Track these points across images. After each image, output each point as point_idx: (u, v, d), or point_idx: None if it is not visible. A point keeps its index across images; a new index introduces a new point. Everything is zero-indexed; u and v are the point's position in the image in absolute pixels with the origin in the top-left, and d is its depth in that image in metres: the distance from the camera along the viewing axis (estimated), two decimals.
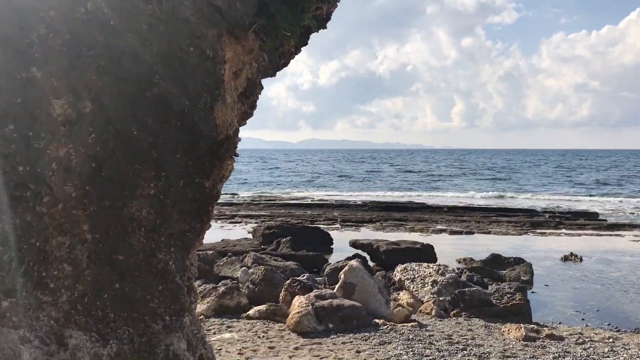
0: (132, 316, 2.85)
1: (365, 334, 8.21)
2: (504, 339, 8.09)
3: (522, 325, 8.30)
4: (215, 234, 21.59)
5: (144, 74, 2.83)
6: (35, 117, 2.69)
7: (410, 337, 8.07)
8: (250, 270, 11.24)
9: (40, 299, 2.67)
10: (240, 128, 3.33)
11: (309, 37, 3.65)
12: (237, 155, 3.24)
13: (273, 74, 3.55)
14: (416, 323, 8.73)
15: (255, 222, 24.48)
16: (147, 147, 2.94)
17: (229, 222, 25.43)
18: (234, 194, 39.37)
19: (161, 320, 2.89)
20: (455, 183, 55.62)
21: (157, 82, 2.86)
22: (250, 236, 19.54)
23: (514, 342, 7.90)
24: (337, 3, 3.60)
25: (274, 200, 35.34)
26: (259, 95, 3.49)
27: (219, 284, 11.49)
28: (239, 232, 22.11)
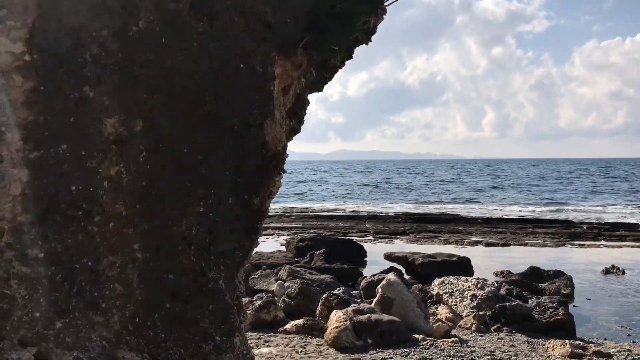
0: (183, 336, 2.81)
1: (405, 349, 8.07)
2: (548, 356, 7.86)
3: (567, 341, 8.05)
4: None
5: (194, 91, 2.81)
6: (87, 136, 2.69)
7: (452, 353, 7.89)
8: (286, 284, 11.19)
9: (92, 319, 2.65)
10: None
11: (354, 51, 3.60)
12: (284, 171, 3.20)
13: (320, 89, 3.51)
14: (457, 338, 8.55)
15: (288, 234, 24.48)
16: (197, 164, 2.92)
17: (262, 234, 25.44)
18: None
19: (212, 340, 2.85)
20: (499, 195, 54.52)
21: (207, 100, 2.83)
22: (283, 248, 19.52)
23: (558, 359, 7.67)
24: (384, 16, 3.54)
25: (305, 212, 35.34)
26: (306, 111, 3.45)
27: (255, 298, 11.47)
28: (272, 244, 22.11)
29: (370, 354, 7.92)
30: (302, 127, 3.25)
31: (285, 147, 3.13)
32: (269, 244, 22.26)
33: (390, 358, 7.75)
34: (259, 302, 9.78)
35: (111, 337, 2.67)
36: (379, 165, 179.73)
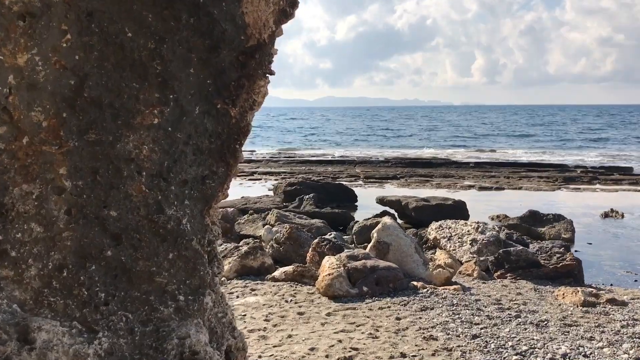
0: (132, 296, 2.03)
1: (403, 298, 7.43)
2: (559, 304, 7.26)
3: (578, 288, 7.44)
4: (234, 191, 20.87)
5: None
6: None
7: (455, 302, 7.27)
8: (274, 229, 10.49)
9: None
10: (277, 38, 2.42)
11: None
12: (272, 73, 2.35)
13: None
14: (459, 286, 7.93)
15: (276, 179, 23.71)
16: (148, 56, 2.06)
17: (248, 179, 24.68)
18: (252, 150, 38.58)
19: (173, 301, 2.06)
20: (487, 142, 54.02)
21: None
22: (271, 193, 18.78)
23: (571, 308, 7.07)
24: None
25: (293, 157, 34.52)
26: None
27: (241, 243, 10.78)
28: (259, 189, 21.37)
29: (366, 303, 7.28)
30: (295, 11, 2.38)
31: (273, 36, 2.27)
32: (256, 189, 21.52)
33: (388, 307, 7.11)
34: (245, 248, 9.07)
35: (26, 298, 1.88)
36: (367, 112, 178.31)
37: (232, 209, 12.52)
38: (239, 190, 21.33)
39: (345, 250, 8.42)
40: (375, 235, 8.96)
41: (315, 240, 9.13)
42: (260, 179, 24.64)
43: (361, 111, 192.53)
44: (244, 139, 2.29)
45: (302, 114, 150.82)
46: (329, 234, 11.07)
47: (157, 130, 2.08)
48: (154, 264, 2.04)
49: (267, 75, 2.32)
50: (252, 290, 8.10)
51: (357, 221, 12.90)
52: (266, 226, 11.00)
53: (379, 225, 9.09)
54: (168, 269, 2.05)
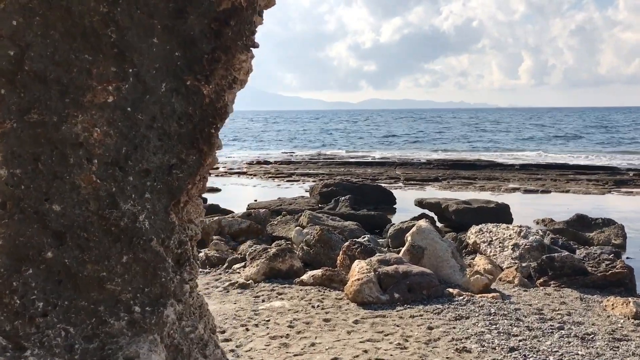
0: (77, 306, 1.71)
1: (437, 306, 6.98)
2: (608, 316, 6.68)
3: (630, 299, 6.83)
4: (272, 192, 20.71)
5: None
6: None
7: (492, 310, 6.77)
8: (305, 230, 10.16)
9: None
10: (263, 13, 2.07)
11: None
12: (256, 45, 2.01)
13: None
14: (498, 294, 7.42)
15: (313, 181, 23.42)
16: (100, 22, 1.74)
17: (286, 181, 24.47)
18: (292, 152, 38.41)
19: (126, 312, 1.74)
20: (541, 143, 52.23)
21: None
22: (307, 195, 18.49)
23: (621, 321, 6.48)
24: None
25: (332, 159, 34.18)
26: None
27: (272, 245, 10.50)
28: (296, 190, 21.13)
29: (397, 311, 6.86)
30: None
31: (253, 0, 1.93)
32: (293, 191, 21.28)
33: (420, 316, 6.67)
34: (273, 250, 8.77)
35: None
36: (411, 114, 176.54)
37: (264, 209, 12.27)
38: (276, 191, 21.15)
39: (377, 254, 8.01)
40: (409, 238, 8.53)
41: (346, 243, 8.75)
42: (298, 181, 24.40)
43: (405, 113, 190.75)
44: (220, 122, 1.95)
45: (345, 116, 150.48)
46: (362, 236, 10.69)
47: (112, 111, 1.76)
48: (105, 268, 1.71)
49: (249, 48, 1.97)
50: (279, 294, 7.79)
51: (393, 224, 12.46)
52: (297, 228, 10.68)
53: (414, 229, 8.64)
54: (122, 274, 1.73)
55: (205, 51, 1.85)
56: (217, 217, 11.51)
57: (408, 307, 6.96)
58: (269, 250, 8.88)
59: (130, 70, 1.77)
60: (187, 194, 1.95)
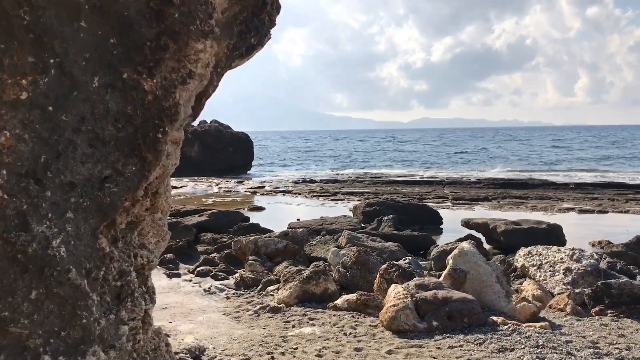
0: None
1: (479, 335, 6.41)
2: None
3: None
4: (315, 211, 20.37)
5: None
6: None
7: (540, 342, 6.16)
8: (342, 252, 9.72)
9: None
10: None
11: None
12: (214, 32, 1.65)
13: None
14: (547, 323, 6.78)
15: (358, 200, 22.95)
16: (11, 0, 1.41)
17: (331, 200, 24.10)
18: (338, 171, 38.04)
19: None
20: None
21: None
22: (351, 214, 18.05)
23: None
24: None
25: (379, 178, 33.61)
26: None
27: (311, 266, 10.11)
28: (340, 209, 20.71)
29: (435, 340, 6.33)
30: None
31: None
32: (337, 210, 20.87)
33: (460, 346, 6.13)
34: (307, 272, 8.38)
35: None
36: (463, 132, 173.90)
37: (301, 229, 11.91)
38: (319, 210, 20.80)
39: (414, 279, 7.50)
40: (450, 261, 7.99)
41: (384, 266, 8.28)
42: (342, 199, 23.99)
43: (457, 132, 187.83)
44: (170, 125, 1.60)
45: (395, 135, 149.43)
46: (403, 258, 10.18)
47: (28, 110, 1.43)
48: (8, 306, 1.36)
49: (208, 35, 1.61)
50: (311, 319, 7.38)
51: (437, 245, 11.87)
52: (333, 249, 10.25)
53: (455, 251, 8.10)
54: (30, 314, 1.38)
55: (148, 37, 1.51)
56: (253, 237, 11.21)
57: (447, 337, 6.43)
58: (302, 272, 8.49)
59: (52, 60, 1.43)
60: (130, 213, 1.59)
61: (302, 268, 8.80)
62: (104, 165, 1.53)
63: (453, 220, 17.24)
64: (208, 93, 3.65)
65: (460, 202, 23.08)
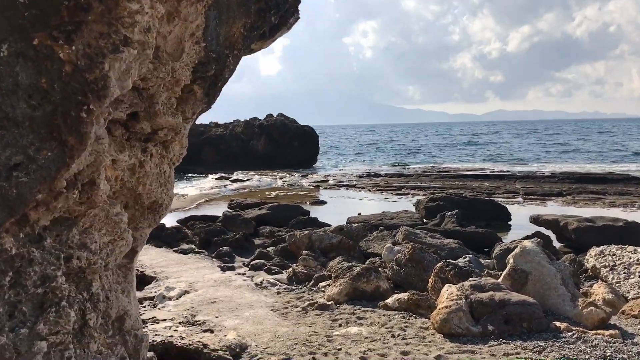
0: None
1: (539, 342, 5.90)
2: None
3: None
4: (377, 206, 19.97)
5: None
6: None
7: (608, 353, 5.58)
8: (396, 248, 9.33)
9: None
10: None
11: None
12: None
13: None
14: (617, 331, 6.16)
15: (424, 194, 22.34)
16: None
17: (394, 194, 23.59)
18: (405, 164, 37.33)
19: None
20: None
21: None
22: (413, 209, 17.53)
23: None
24: None
25: (447, 172, 32.68)
26: None
27: (367, 262, 9.79)
28: (403, 204, 20.18)
29: (489, 346, 5.87)
30: None
31: None
32: (400, 204, 20.37)
33: (517, 353, 5.65)
34: (357, 269, 8.06)
35: None
36: (540, 125, 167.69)
37: (356, 224, 11.58)
38: (382, 204, 20.38)
39: (470, 279, 7.03)
40: (511, 261, 7.45)
41: (439, 264, 7.84)
42: (407, 194, 23.43)
43: (534, 124, 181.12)
44: (97, 102, 1.33)
45: (468, 129, 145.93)
46: (463, 256, 9.67)
47: None
48: None
49: None
50: (359, 318, 7.06)
51: (502, 243, 11.24)
52: (387, 245, 9.86)
53: (516, 250, 7.55)
54: None
55: None
56: (307, 231, 10.99)
57: (503, 343, 5.95)
58: (353, 268, 8.18)
59: None
60: (52, 207, 1.33)
61: (354, 264, 8.49)
62: (14, 151, 1.28)
63: (523, 217, 16.40)
64: (224, 77, 3.39)
65: (532, 197, 22.02)
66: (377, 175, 31.33)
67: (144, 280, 9.74)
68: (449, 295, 6.63)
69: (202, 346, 5.72)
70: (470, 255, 9.74)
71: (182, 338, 5.88)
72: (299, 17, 3.97)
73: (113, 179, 2.35)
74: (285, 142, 40.99)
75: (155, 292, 8.55)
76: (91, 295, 1.50)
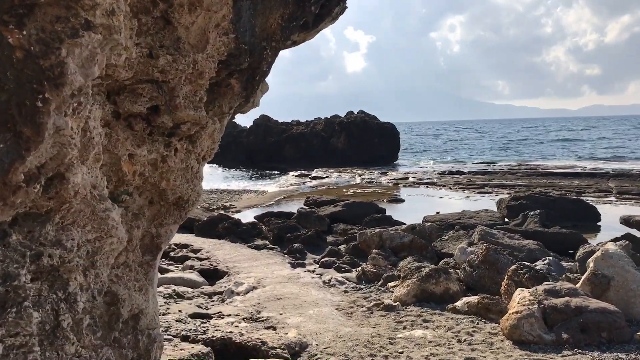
0: None
1: (619, 354, 5.42)
2: None
3: None
4: (457, 204, 19.38)
5: None
6: None
7: None
8: (469, 249, 8.95)
9: None
10: None
11: None
12: None
13: None
14: None
15: (508, 193, 21.45)
16: None
17: (477, 192, 22.81)
18: (491, 162, 36.09)
19: None
20: None
21: None
22: (494, 208, 16.85)
23: None
24: None
25: (535, 170, 31.25)
26: None
27: (440, 263, 9.48)
28: (486, 203, 19.46)
29: (563, 356, 5.47)
30: None
31: None
32: (482, 203, 19.66)
33: None
34: (426, 270, 7.78)
35: None
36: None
37: (428, 223, 11.23)
38: (462, 203, 19.77)
39: (544, 283, 6.59)
40: (591, 265, 6.93)
41: (512, 267, 7.42)
42: (490, 192, 22.59)
43: (635, 119, 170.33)
44: (54, 91, 1.25)
45: (562, 124, 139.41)
46: (542, 259, 9.13)
47: None
48: None
49: None
50: (425, 321, 6.81)
51: (587, 245, 10.53)
52: (460, 245, 9.48)
53: (598, 253, 7.02)
54: None
55: None
56: (378, 229, 10.79)
57: (578, 353, 5.53)
58: (422, 269, 7.91)
59: None
60: (9, 202, 1.27)
61: (423, 265, 8.21)
62: None
63: (614, 217, 15.36)
64: (261, 70, 3.29)
65: (627, 196, 20.61)
66: (459, 172, 30.47)
67: (216, 274, 9.93)
68: (520, 299, 6.24)
69: (260, 343, 5.70)
70: (550, 258, 9.18)
71: (241, 334, 5.88)
72: (345, 7, 3.81)
73: (130, 174, 2.30)
74: (365, 139, 40.76)
75: (225, 287, 8.66)
76: (67, 295, 1.43)
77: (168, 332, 5.61)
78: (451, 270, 8.78)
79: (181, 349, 5.06)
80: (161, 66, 2.30)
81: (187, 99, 2.45)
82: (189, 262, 10.49)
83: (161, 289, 8.39)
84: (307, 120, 45.82)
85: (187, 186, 2.59)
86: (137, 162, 2.30)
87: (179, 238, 13.03)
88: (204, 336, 5.63)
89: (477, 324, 6.60)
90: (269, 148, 41.19)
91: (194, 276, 9.38)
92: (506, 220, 14.63)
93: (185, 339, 5.54)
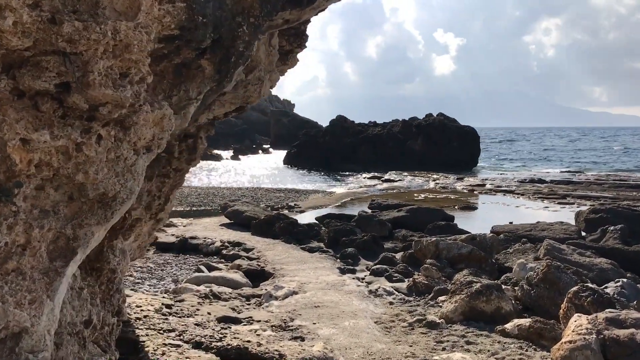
0: None
1: None
2: None
3: None
4: (533, 215, 18.18)
5: None
6: None
7: None
8: (530, 265, 8.13)
9: None
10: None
11: None
12: None
13: None
14: None
15: (592, 205, 19.92)
16: None
17: (557, 203, 21.37)
18: (578, 171, 33.91)
19: None
20: None
21: None
22: (573, 221, 15.61)
23: None
24: None
25: (625, 181, 29.02)
26: None
27: (502, 278, 8.71)
28: (565, 214, 18.14)
29: None
30: None
31: None
32: (561, 214, 18.35)
33: None
34: (477, 286, 7.09)
35: None
36: None
37: (490, 234, 10.41)
38: (539, 213, 18.53)
39: (608, 310, 5.77)
40: None
41: (574, 288, 6.60)
42: (572, 203, 21.09)
43: None
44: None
45: None
46: (615, 280, 8.16)
47: None
48: None
49: None
50: (468, 343, 6.16)
51: None
52: (519, 261, 8.65)
53: None
54: None
55: None
56: (435, 238, 10.11)
57: None
58: (473, 284, 7.23)
59: None
60: None
61: (475, 280, 7.51)
62: None
63: None
64: (236, 49, 2.86)
65: None
66: (541, 181, 28.77)
67: (262, 276, 9.64)
68: (576, 327, 5.47)
69: (278, 356, 5.28)
70: (625, 280, 8.18)
71: (259, 344, 5.49)
72: None
73: (25, 162, 1.94)
74: (443, 143, 39.52)
75: (265, 290, 8.33)
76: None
77: (181, 337, 5.30)
78: (508, 287, 8.03)
79: (187, 357, 4.73)
80: (66, 34, 1.91)
81: (106, 76, 2.06)
82: (237, 261, 10.26)
83: (201, 287, 8.18)
84: (383, 122, 45.11)
85: (114, 181, 2.20)
86: (35, 149, 1.94)
87: (234, 236, 12.88)
88: (218, 344, 5.28)
89: (526, 350, 5.88)
90: (344, 149, 40.77)
91: (238, 276, 9.13)
92: (583, 234, 13.45)
93: (197, 345, 5.20)
